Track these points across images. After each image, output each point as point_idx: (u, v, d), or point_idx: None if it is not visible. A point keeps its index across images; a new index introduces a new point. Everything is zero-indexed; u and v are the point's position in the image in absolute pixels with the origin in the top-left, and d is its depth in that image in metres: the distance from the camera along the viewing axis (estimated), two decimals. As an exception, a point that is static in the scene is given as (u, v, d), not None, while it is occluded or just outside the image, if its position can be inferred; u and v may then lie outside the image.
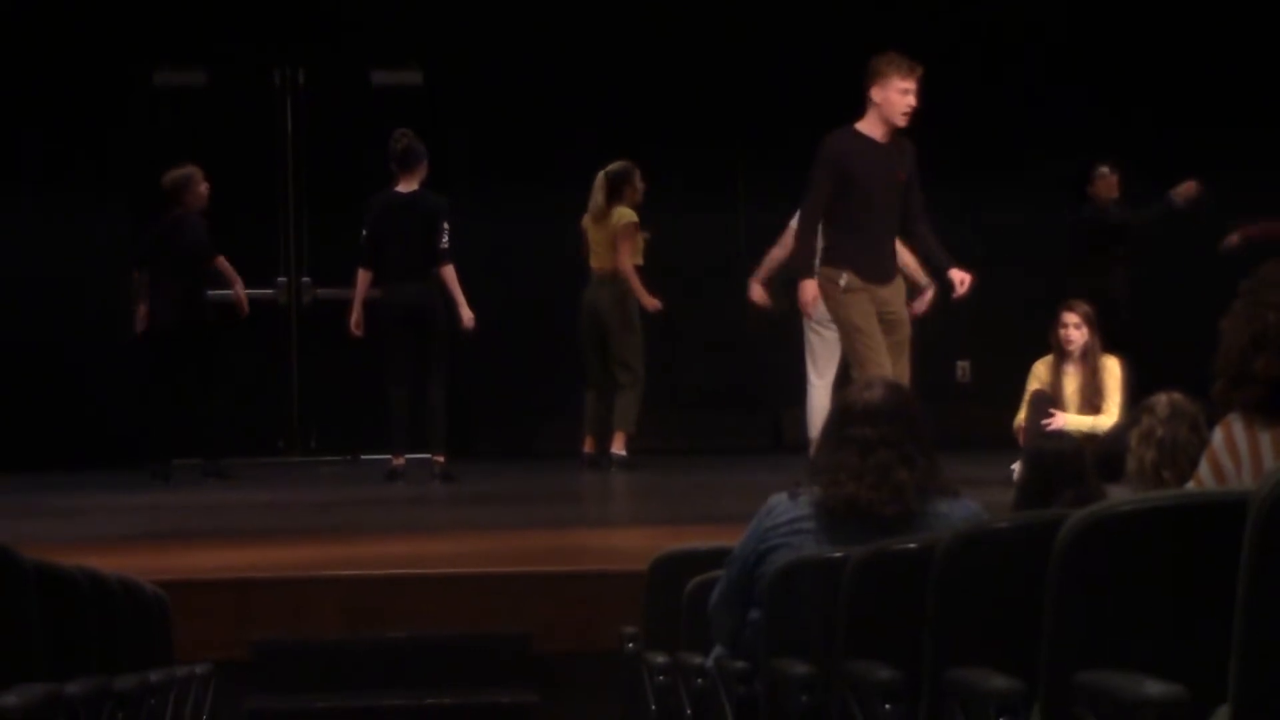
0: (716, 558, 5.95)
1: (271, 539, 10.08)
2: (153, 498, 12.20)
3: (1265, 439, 3.69)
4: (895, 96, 10.32)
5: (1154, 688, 2.96)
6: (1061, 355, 11.10)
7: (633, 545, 8.75)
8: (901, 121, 10.32)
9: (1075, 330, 11.04)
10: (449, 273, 12.26)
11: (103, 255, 14.53)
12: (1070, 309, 11.13)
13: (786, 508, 5.46)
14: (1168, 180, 13.43)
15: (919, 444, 5.46)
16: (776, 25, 14.43)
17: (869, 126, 10.40)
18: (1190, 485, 3.89)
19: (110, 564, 6.70)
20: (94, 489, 12.63)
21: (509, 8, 14.40)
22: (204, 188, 13.01)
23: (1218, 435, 3.78)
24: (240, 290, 13.08)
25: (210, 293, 12.93)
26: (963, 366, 14.71)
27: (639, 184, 13.17)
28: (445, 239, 12.19)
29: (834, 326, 10.79)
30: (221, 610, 8.18)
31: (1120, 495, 4.75)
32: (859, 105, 10.34)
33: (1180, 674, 2.97)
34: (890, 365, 10.04)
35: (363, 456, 14.42)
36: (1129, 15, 14.73)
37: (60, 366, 14.34)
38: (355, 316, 12.56)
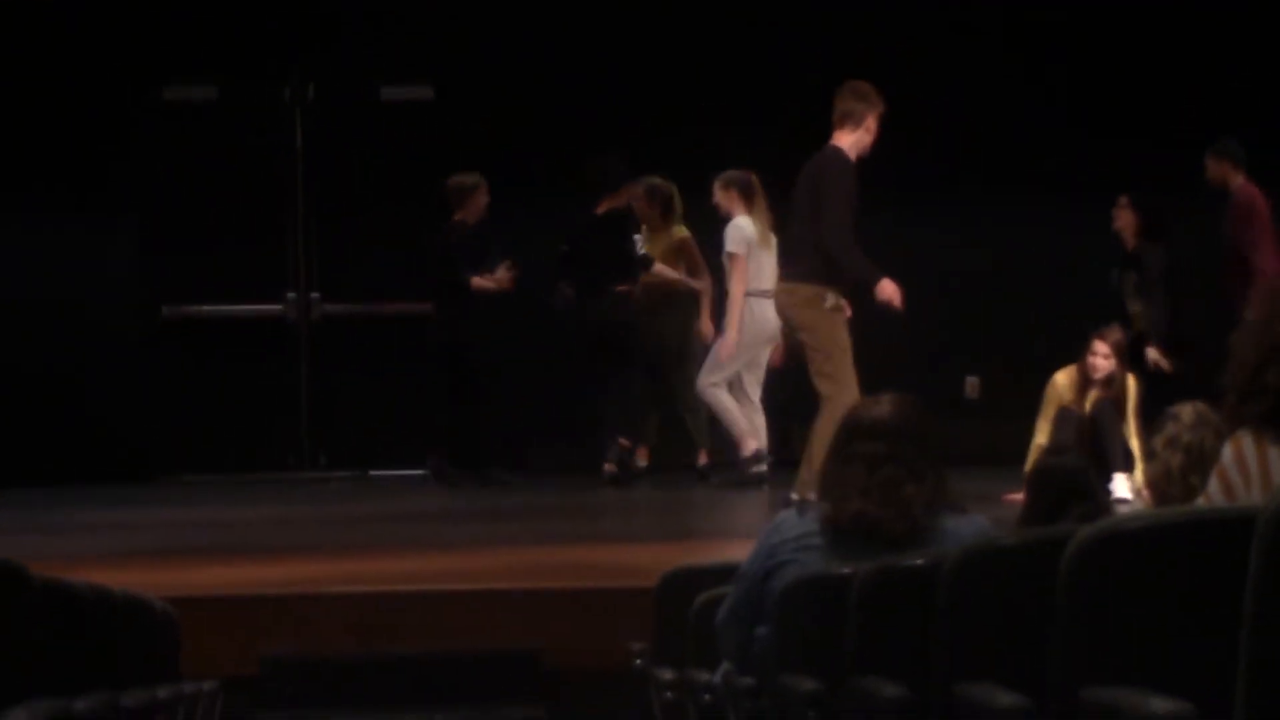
0: (725, 574, 5.96)
1: (281, 555, 10.09)
2: (161, 514, 12.21)
3: (1274, 455, 3.70)
4: (875, 128, 10.47)
5: (1160, 704, 2.97)
6: (1087, 381, 11.13)
7: (641, 561, 8.74)
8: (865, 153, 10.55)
9: (1103, 360, 11.06)
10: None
11: (114, 269, 14.58)
12: (1102, 337, 11.13)
13: (794, 524, 5.47)
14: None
15: (927, 459, 5.46)
16: (790, 54, 14.42)
17: (851, 149, 10.52)
18: (1200, 502, 3.89)
19: (119, 580, 6.70)
20: (103, 505, 12.63)
21: (519, 23, 14.39)
22: (485, 200, 13.24)
23: (1227, 452, 3.78)
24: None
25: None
26: (972, 383, 14.66)
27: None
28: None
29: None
30: (230, 626, 8.18)
31: (1129, 512, 4.75)
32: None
33: (1187, 690, 2.98)
34: None
35: (372, 472, 14.42)
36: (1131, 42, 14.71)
37: (71, 383, 14.31)
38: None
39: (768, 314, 12.03)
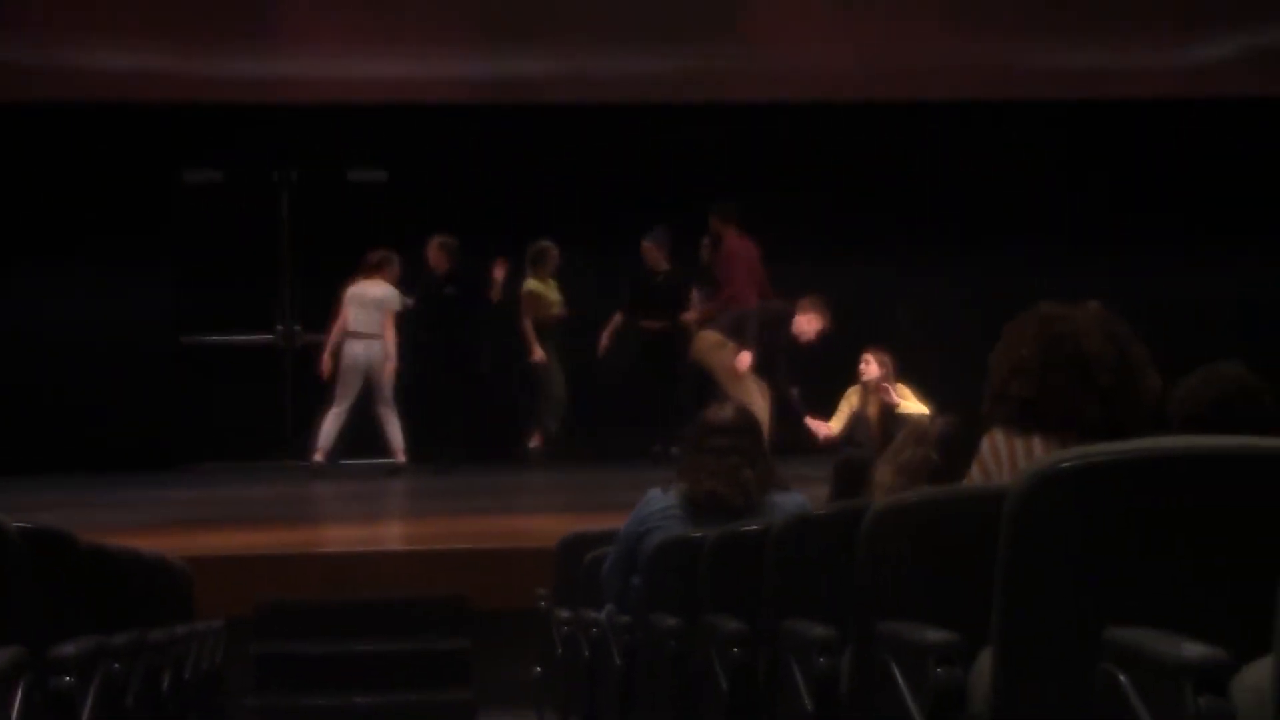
0: (608, 537, 5.94)
1: (272, 524, 10.00)
2: (180, 493, 12.09)
3: (1020, 447, 3.70)
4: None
5: (934, 634, 2.96)
6: (864, 389, 10.87)
7: (545, 528, 8.71)
8: None
9: (865, 366, 10.78)
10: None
11: (148, 308, 14.52)
12: (871, 351, 10.88)
13: (660, 499, 5.46)
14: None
15: (760, 450, 5.48)
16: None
17: None
18: (965, 483, 3.89)
19: (146, 544, 6.63)
20: (134, 487, 12.50)
21: (457, 122, 14.36)
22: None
23: (985, 445, 3.78)
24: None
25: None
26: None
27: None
28: None
29: None
30: (232, 579, 8.10)
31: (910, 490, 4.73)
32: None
33: (955, 625, 2.97)
34: None
35: (342, 461, 14.31)
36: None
37: (111, 392, 14.20)
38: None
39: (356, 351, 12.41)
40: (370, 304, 12.58)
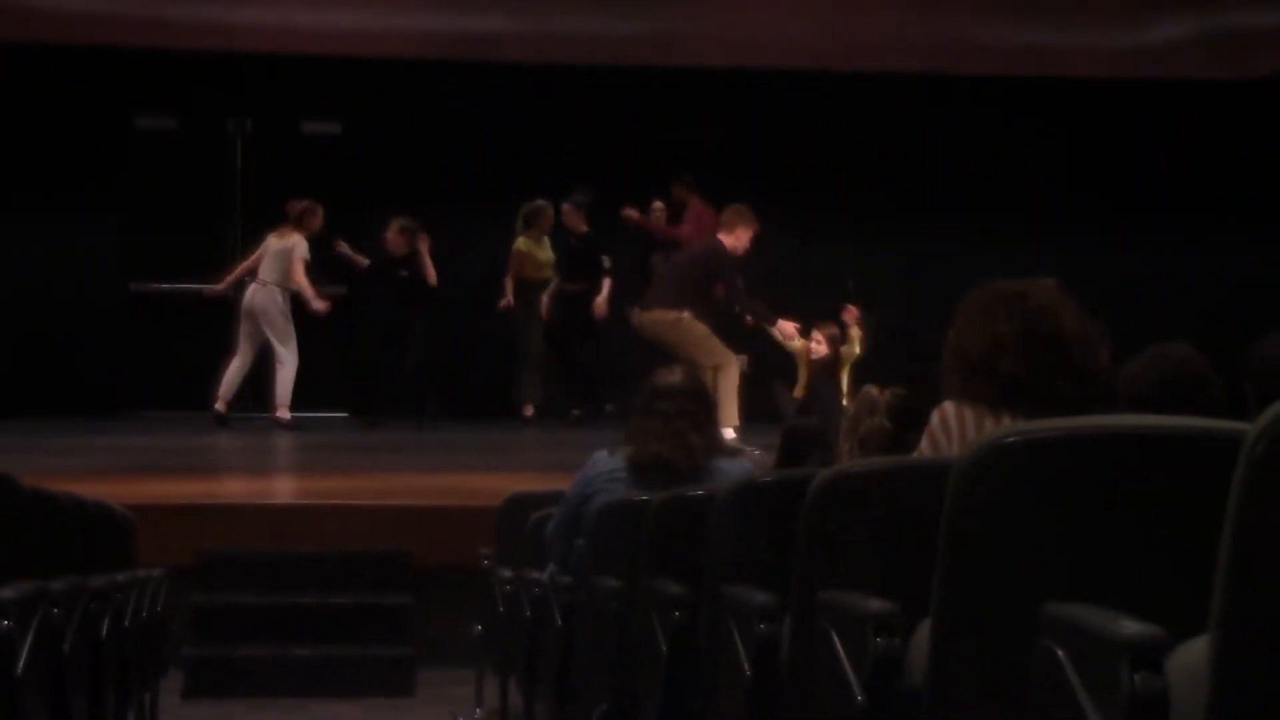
0: (553, 498, 5.93)
1: (215, 474, 9.97)
2: (125, 440, 12.03)
3: (973, 420, 3.70)
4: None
5: (875, 604, 2.97)
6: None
7: (490, 486, 8.71)
8: None
9: (816, 345, 10.81)
10: None
11: (97, 254, 14.49)
12: (819, 329, 10.87)
13: (606, 461, 5.45)
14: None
15: (707, 415, 5.47)
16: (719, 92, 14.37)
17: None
18: (915, 455, 3.89)
19: (89, 490, 6.59)
20: (79, 432, 12.44)
21: (414, 77, 14.30)
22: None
23: (935, 417, 3.78)
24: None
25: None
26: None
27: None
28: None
29: None
30: (174, 527, 8.07)
31: (856, 460, 4.75)
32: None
33: (896, 595, 2.97)
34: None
35: (292, 414, 14.30)
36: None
37: (59, 338, 14.16)
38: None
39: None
40: (276, 252, 12.63)
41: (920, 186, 14.55)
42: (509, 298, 13.19)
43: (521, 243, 13.26)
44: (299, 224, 12.80)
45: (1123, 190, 14.77)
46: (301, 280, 12.66)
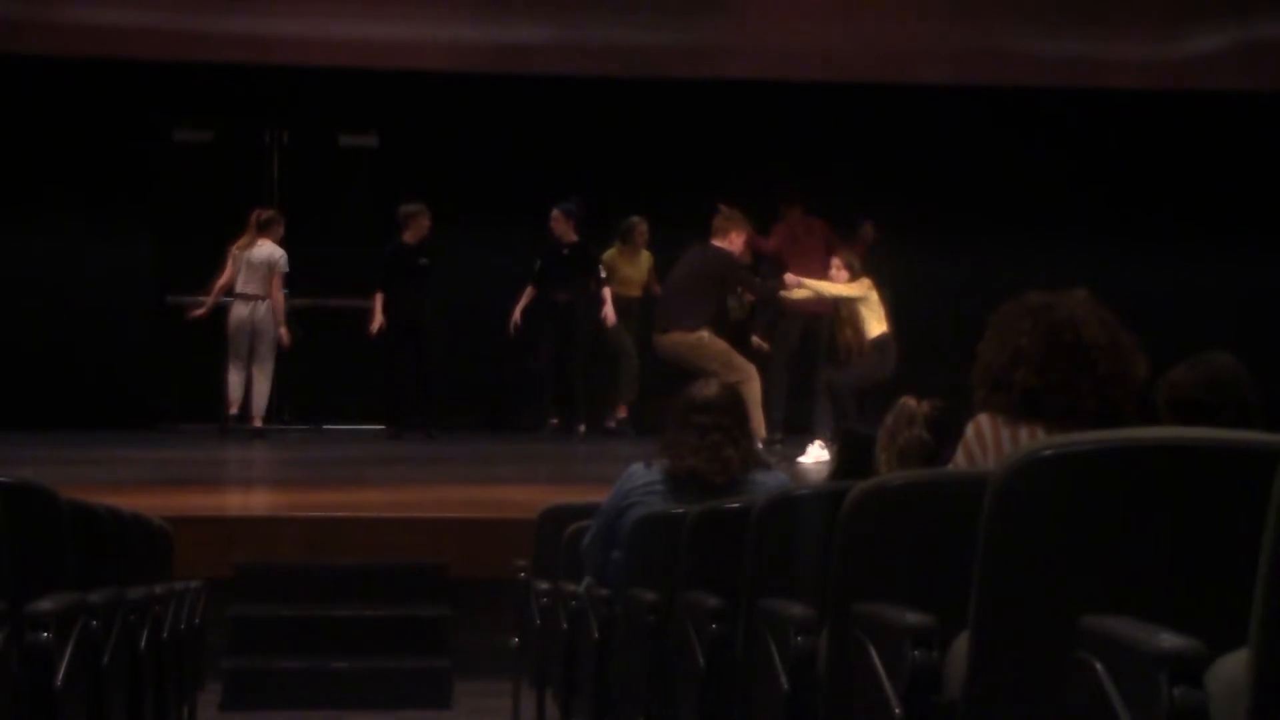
0: (589, 510, 5.94)
1: (251, 486, 10.00)
2: (161, 453, 12.07)
3: (1005, 433, 3.71)
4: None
5: (913, 617, 2.97)
6: None
7: (527, 498, 8.72)
8: None
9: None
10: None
11: (134, 267, 14.52)
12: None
13: (642, 474, 5.46)
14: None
15: (743, 429, 5.48)
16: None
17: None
18: (949, 467, 3.89)
19: (127, 502, 6.62)
20: (116, 445, 12.47)
21: (451, 90, 14.33)
22: (426, 224, 13.09)
23: (970, 430, 3.79)
24: None
25: None
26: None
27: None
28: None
29: None
30: (211, 539, 8.10)
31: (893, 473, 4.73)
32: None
33: (934, 608, 2.97)
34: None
35: (324, 426, 14.32)
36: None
37: (94, 351, 14.21)
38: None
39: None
40: (257, 265, 12.65)
41: (958, 197, 14.51)
42: (608, 311, 13.09)
43: (608, 255, 13.24)
44: (266, 231, 12.80)
45: (1158, 201, 14.70)
46: (279, 297, 12.73)
